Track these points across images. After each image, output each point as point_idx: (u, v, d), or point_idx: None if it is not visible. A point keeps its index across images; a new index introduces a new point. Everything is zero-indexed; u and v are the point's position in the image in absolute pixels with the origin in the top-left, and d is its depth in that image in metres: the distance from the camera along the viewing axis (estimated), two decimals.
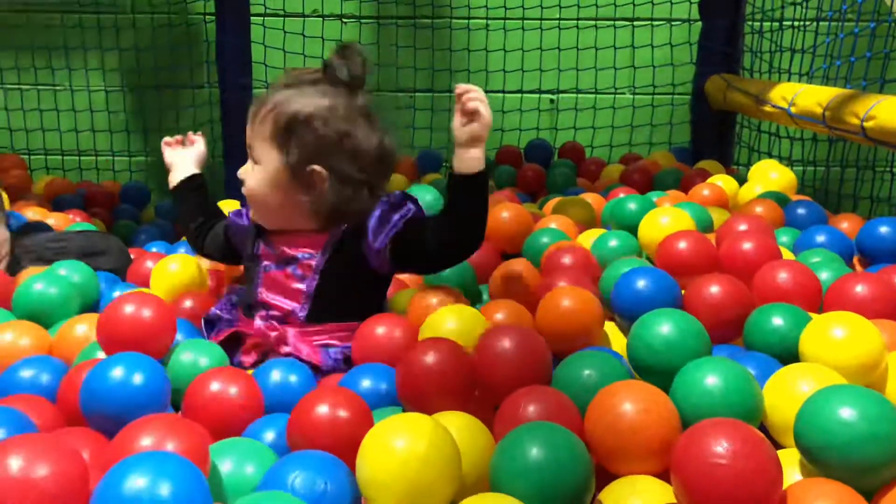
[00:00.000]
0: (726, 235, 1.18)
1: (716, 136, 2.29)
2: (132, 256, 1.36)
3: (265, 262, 1.01)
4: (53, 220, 1.74)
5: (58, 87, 2.46)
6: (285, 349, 0.97)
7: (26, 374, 0.87)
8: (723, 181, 1.72)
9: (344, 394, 0.74)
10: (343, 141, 0.96)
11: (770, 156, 2.16)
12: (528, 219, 1.43)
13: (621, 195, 1.74)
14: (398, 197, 1.01)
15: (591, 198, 1.71)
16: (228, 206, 1.60)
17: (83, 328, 0.95)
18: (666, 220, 1.22)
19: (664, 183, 1.93)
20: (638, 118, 2.48)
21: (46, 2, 2.39)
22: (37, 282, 1.08)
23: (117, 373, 0.76)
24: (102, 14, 2.41)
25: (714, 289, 0.96)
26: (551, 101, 2.53)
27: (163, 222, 2.08)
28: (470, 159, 0.93)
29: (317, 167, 0.96)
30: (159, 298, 0.91)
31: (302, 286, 0.99)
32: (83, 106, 2.47)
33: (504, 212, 1.43)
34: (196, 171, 1.18)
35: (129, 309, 0.87)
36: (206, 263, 1.36)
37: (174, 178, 1.18)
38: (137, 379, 0.76)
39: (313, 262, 0.99)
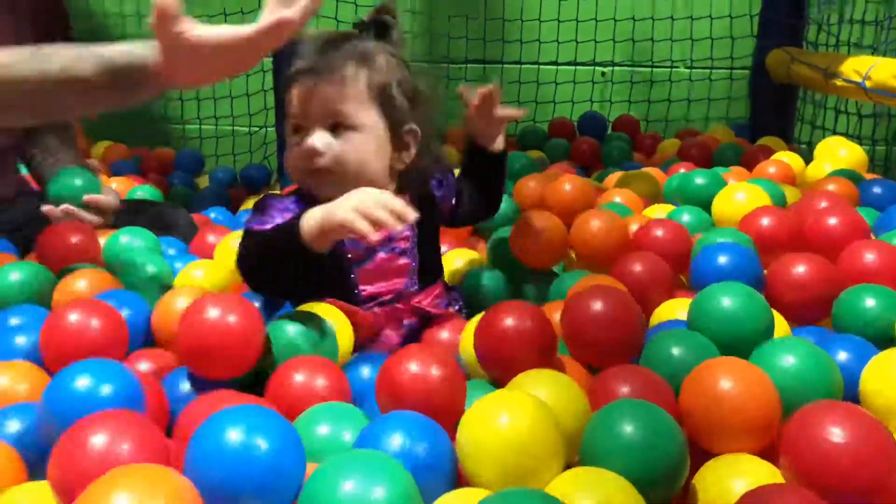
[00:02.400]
0: (808, 212, 1.15)
1: (776, 112, 2.22)
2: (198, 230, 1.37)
3: (359, 258, 0.95)
4: (116, 184, 1.77)
5: None
6: (406, 321, 0.96)
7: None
8: (788, 158, 1.67)
9: (435, 352, 0.73)
10: (420, 96, 0.97)
11: (834, 132, 2.10)
12: (592, 192, 1.41)
13: (682, 170, 1.71)
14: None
15: (649, 171, 1.68)
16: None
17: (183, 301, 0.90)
18: (742, 196, 1.19)
19: (724, 159, 1.89)
20: (695, 92, 2.42)
21: None
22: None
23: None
24: None
25: (800, 268, 0.94)
26: (602, 73, 2.48)
27: (217, 189, 2.10)
28: (501, 140, 1.08)
29: (413, 126, 0.96)
30: (245, 301, 0.79)
31: (406, 260, 0.97)
32: None
33: (566, 184, 1.41)
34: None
35: (213, 313, 0.74)
36: None
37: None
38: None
39: (408, 232, 0.97)
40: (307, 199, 0.96)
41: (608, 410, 0.65)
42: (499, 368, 0.75)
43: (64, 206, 1.19)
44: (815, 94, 2.18)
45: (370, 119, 0.92)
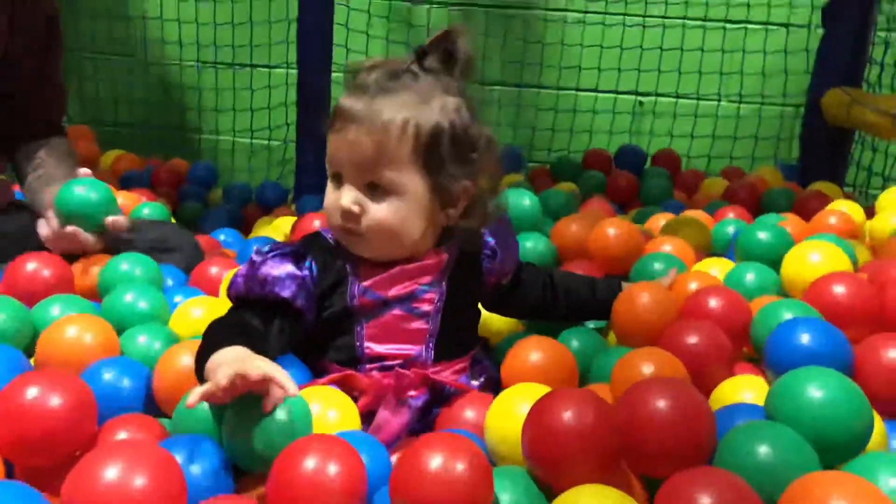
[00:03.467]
0: (886, 279, 1.01)
1: (828, 155, 2.09)
2: (204, 256, 1.24)
3: (369, 311, 0.83)
4: (122, 199, 1.66)
5: (133, 58, 2.40)
6: (412, 394, 0.82)
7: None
8: (847, 207, 1.53)
9: (458, 441, 0.61)
10: (477, 146, 0.83)
11: (888, 179, 1.96)
12: (639, 239, 1.28)
13: (730, 215, 1.58)
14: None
15: (697, 215, 1.54)
16: (286, 223, 1.50)
17: (187, 359, 0.78)
18: (817, 257, 1.05)
19: (775, 204, 1.74)
20: (742, 129, 2.28)
21: None
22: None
23: None
24: None
25: (893, 352, 0.80)
26: (641, 103, 2.36)
27: (231, 206, 1.98)
28: None
29: (466, 182, 0.82)
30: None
31: (423, 325, 0.84)
32: (157, 79, 2.40)
33: (610, 228, 1.27)
34: None
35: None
36: None
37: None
38: None
39: (434, 294, 0.84)
40: (314, 252, 0.83)
41: None
42: (551, 470, 0.62)
43: (72, 229, 1.06)
44: (873, 139, 2.03)
45: (413, 182, 0.80)
